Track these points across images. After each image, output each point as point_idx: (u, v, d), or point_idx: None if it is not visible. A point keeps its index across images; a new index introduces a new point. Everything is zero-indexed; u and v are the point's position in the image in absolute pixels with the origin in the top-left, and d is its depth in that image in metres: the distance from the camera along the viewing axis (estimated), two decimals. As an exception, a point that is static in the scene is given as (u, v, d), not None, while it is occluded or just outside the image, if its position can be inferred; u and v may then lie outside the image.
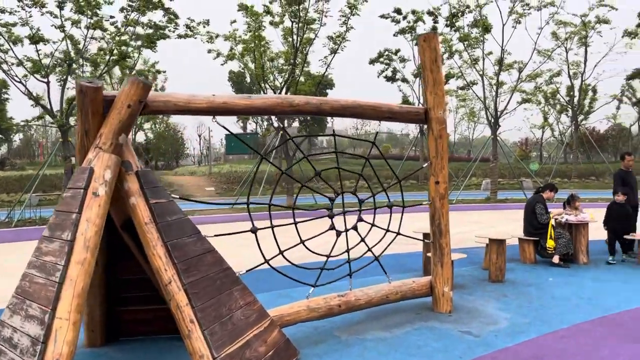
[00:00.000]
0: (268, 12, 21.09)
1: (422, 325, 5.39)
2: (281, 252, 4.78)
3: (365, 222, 5.39)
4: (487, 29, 20.58)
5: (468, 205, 20.37)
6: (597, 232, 10.05)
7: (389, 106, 5.55)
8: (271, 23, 21.70)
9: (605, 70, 57.96)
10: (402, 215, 5.80)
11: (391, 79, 30.87)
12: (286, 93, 19.26)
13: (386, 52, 29.72)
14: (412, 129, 65.22)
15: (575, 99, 33.61)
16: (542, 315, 5.68)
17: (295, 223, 4.94)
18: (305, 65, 23.13)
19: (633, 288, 6.88)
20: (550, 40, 27.03)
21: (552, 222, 8.46)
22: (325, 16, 18.91)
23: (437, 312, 5.84)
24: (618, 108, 49.18)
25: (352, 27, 18.87)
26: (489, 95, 22.13)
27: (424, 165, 6.09)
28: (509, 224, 13.50)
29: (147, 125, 48.39)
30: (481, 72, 21.92)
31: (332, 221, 5.15)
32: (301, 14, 19.19)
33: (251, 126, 61.77)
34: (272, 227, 4.75)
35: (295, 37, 19.51)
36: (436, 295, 5.89)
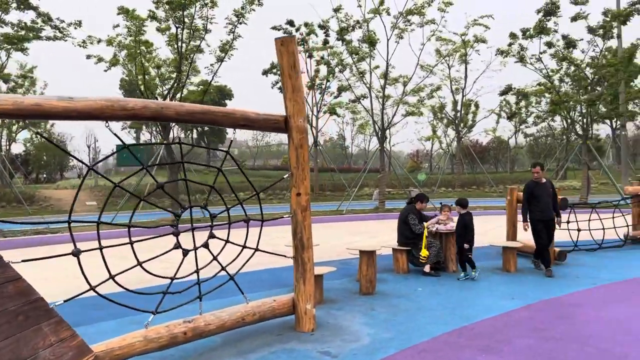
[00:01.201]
0: (154, 17, 20.04)
1: (280, 348, 5.02)
2: (112, 277, 4.18)
3: (219, 238, 4.94)
4: (372, 42, 21.10)
5: (357, 215, 20.62)
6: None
7: (244, 113, 5.16)
8: (158, 29, 20.68)
9: (484, 87, 62.98)
10: (260, 229, 5.42)
11: (285, 89, 30.76)
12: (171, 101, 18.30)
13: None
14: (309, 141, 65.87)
15: (458, 113, 35.72)
16: (406, 329, 5.55)
17: (132, 242, 4.37)
18: (194, 74, 22.29)
19: (495, 295, 7.04)
20: (435, 57, 28.49)
21: (426, 231, 8.56)
22: (211, 23, 18.31)
23: (300, 331, 5.51)
24: (497, 122, 53.28)
25: (239, 36, 18.44)
26: (378, 107, 22.69)
27: (284, 176, 5.76)
28: (392, 233, 13.65)
29: (24, 135, 44.24)
30: (368, 85, 22.46)
31: (177, 239, 4.63)
32: (186, 20, 18.40)
33: (145, 136, 59.01)
34: (101, 248, 4.13)
35: (180, 43, 18.65)
36: (299, 314, 5.56)
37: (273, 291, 7.20)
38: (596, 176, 37.67)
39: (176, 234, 4.64)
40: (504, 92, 24.77)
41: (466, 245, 7.95)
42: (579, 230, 9.95)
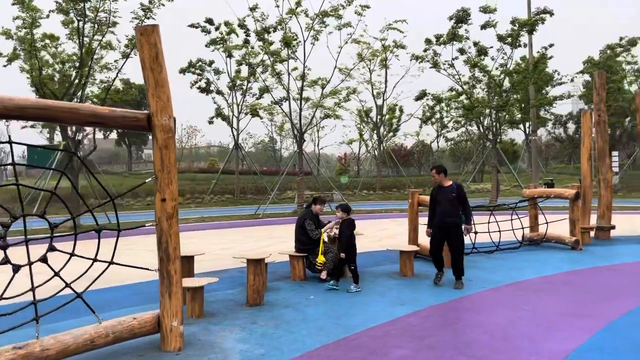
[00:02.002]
0: (61, 10, 18.64)
1: (136, 372, 4.50)
2: None
3: (60, 251, 4.34)
4: (288, 43, 20.79)
5: (275, 219, 20.19)
6: (366, 244, 10.30)
7: (93, 109, 4.60)
8: (63, 22, 19.30)
9: (404, 91, 64.81)
10: (117, 239, 4.85)
11: (205, 90, 29.87)
12: (70, 100, 17.00)
13: (199, 63, 28.68)
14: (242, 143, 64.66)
15: (379, 117, 36.28)
16: (282, 343, 5.19)
17: (-60, 259, 3.70)
18: (103, 70, 20.97)
19: (386, 302, 6.84)
20: (357, 60, 28.55)
21: (324, 236, 8.27)
22: (114, 16, 17.25)
23: (165, 351, 4.99)
24: (421, 127, 54.67)
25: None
26: (297, 109, 22.43)
27: (146, 180, 5.24)
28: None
29: None
30: (286, 87, 22.15)
31: (5, 253, 4.00)
32: (90, 13, 17.24)
33: (58, 137, 55.63)
34: None
35: (81, 38, 17.42)
36: (164, 332, 5.04)
37: (150, 306, 6.60)
38: (510, 179, 39.48)
39: (3, 247, 4.02)
40: (419, 97, 25.34)
41: (342, 255, 7.59)
42: (475, 232, 10.07)
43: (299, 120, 21.95)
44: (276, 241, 13.59)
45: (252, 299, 6.74)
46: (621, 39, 31.82)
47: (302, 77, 21.56)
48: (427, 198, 10.08)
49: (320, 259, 8.00)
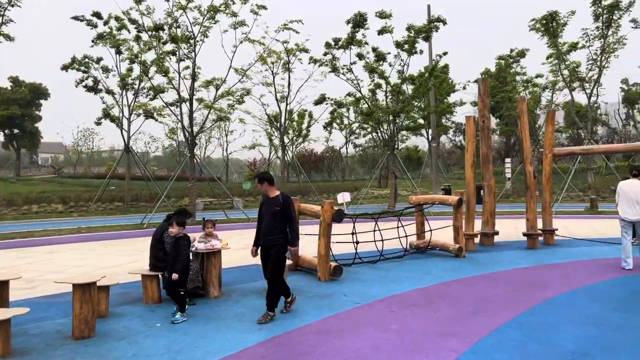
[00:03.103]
0: None
1: None
2: None
3: None
4: (175, 40, 19.48)
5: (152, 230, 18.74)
6: (244, 257, 9.36)
7: None
8: None
9: (308, 96, 64.50)
10: None
11: (93, 89, 27.56)
12: None
13: (85, 59, 26.40)
14: (145, 147, 61.40)
15: (286, 122, 35.66)
16: (91, 392, 4.18)
17: None
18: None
19: (242, 327, 5.99)
20: (254, 62, 27.58)
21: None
22: (-32, 1, 15.11)
23: None
24: (330, 132, 54.74)
25: (10, 20, 15.49)
26: (188, 111, 21.07)
27: None
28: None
29: None
30: (176, 88, 20.73)
31: None
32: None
33: None
34: None
35: None
36: None
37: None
38: (415, 184, 40.38)
39: None
40: (318, 102, 24.94)
41: (174, 276, 6.40)
42: (357, 242, 9.55)
43: (190, 122, 20.63)
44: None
45: (79, 330, 5.62)
46: (511, 50, 33.47)
47: (193, 76, 20.28)
48: (308, 206, 9.49)
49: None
